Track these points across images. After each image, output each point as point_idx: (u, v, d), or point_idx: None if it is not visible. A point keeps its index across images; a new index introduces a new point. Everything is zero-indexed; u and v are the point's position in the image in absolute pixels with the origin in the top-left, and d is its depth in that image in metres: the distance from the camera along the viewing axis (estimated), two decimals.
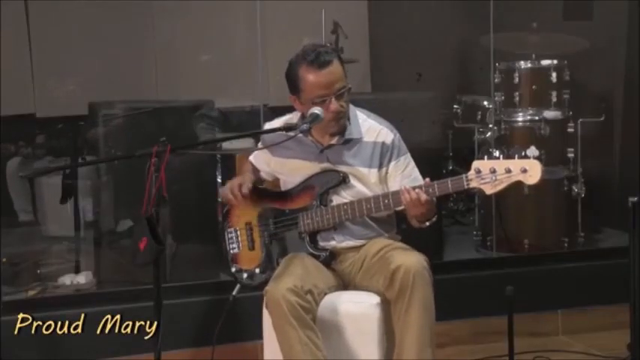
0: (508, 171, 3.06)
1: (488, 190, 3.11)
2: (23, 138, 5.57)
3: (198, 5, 5.65)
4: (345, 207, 3.34)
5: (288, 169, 3.50)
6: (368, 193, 3.38)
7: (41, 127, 5.65)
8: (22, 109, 5.54)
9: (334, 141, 3.40)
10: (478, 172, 3.10)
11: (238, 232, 3.58)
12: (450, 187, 3.17)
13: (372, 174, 3.40)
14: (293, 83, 3.34)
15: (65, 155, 5.21)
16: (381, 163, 3.40)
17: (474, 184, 3.11)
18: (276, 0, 5.57)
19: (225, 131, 4.95)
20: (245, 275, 3.57)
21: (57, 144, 5.39)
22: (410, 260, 3.21)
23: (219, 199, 3.69)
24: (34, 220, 5.55)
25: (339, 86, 3.30)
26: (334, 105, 3.29)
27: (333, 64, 3.30)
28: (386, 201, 3.27)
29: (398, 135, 3.44)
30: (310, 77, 3.28)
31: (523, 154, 3.08)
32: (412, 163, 3.44)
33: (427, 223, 3.32)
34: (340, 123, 3.36)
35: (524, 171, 3.04)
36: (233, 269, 3.60)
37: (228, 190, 3.48)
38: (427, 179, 3.25)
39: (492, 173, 3.08)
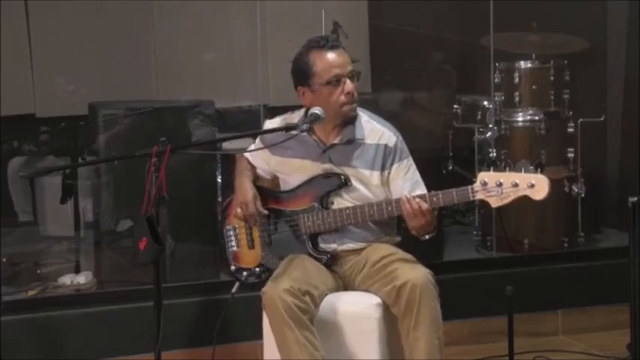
0: (515, 185, 3.04)
1: (494, 203, 3.09)
2: (23, 138, 5.57)
3: (199, 5, 5.65)
4: (348, 211, 3.34)
5: (289, 169, 3.49)
6: (369, 195, 3.38)
7: (42, 127, 5.65)
8: (22, 109, 5.54)
9: (337, 140, 3.40)
10: (484, 184, 3.08)
11: (237, 231, 3.57)
12: (456, 197, 3.16)
13: (374, 176, 3.39)
14: (303, 72, 3.35)
15: (65, 155, 5.21)
16: (383, 166, 3.39)
17: (479, 196, 3.10)
18: (276, 0, 5.57)
19: (222, 129, 4.95)
20: (245, 274, 3.57)
21: (57, 144, 5.39)
22: (416, 276, 3.19)
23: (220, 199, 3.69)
24: (34, 220, 5.55)
25: (350, 68, 3.35)
26: (349, 85, 3.31)
27: (341, 48, 3.37)
28: (389, 208, 3.27)
29: (400, 137, 3.43)
30: (324, 58, 3.31)
31: (531, 168, 3.07)
32: (413, 167, 3.43)
33: (427, 237, 3.30)
34: (353, 107, 3.36)
35: (532, 186, 3.02)
36: (232, 268, 3.60)
37: (241, 214, 3.50)
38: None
39: (499, 186, 3.06)
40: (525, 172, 3.05)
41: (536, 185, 3.02)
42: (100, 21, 5.57)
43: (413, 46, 5.90)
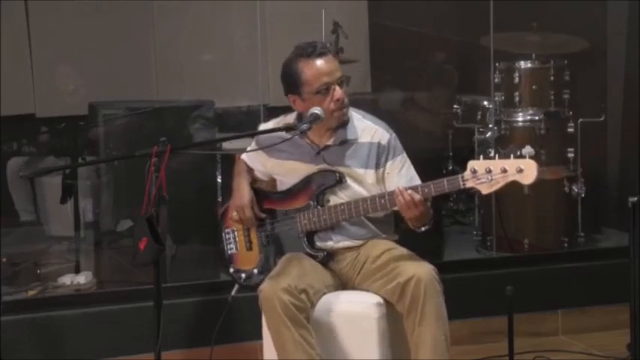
0: (504, 171, 3.06)
1: (485, 190, 3.10)
2: (23, 138, 5.57)
3: (198, 5, 5.65)
4: (342, 207, 3.34)
5: (285, 170, 3.50)
6: (365, 193, 3.38)
7: (42, 127, 5.65)
8: (22, 109, 5.54)
9: (330, 142, 3.40)
10: (474, 172, 3.10)
11: (236, 233, 3.58)
12: (446, 187, 3.17)
13: (369, 174, 3.40)
14: (292, 81, 3.35)
15: (65, 155, 5.21)
16: (377, 164, 3.40)
17: (470, 184, 3.11)
18: (276, 0, 5.57)
19: (222, 131, 4.95)
20: (243, 276, 3.58)
21: (57, 144, 5.39)
22: (420, 271, 3.20)
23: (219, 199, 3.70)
24: (34, 220, 5.55)
25: (339, 75, 3.35)
26: (338, 92, 3.32)
27: (329, 55, 3.37)
28: (382, 201, 3.27)
29: (394, 135, 3.44)
30: (312, 66, 3.31)
31: (519, 153, 3.08)
32: (408, 163, 3.44)
33: (422, 228, 3.30)
34: (344, 112, 3.37)
35: (520, 171, 3.03)
36: (231, 270, 3.61)
37: (237, 218, 3.53)
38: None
39: (488, 173, 3.08)
40: (514, 157, 3.06)
41: (524, 170, 3.03)
42: (100, 21, 5.56)
43: (413, 46, 5.90)
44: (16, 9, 5.47)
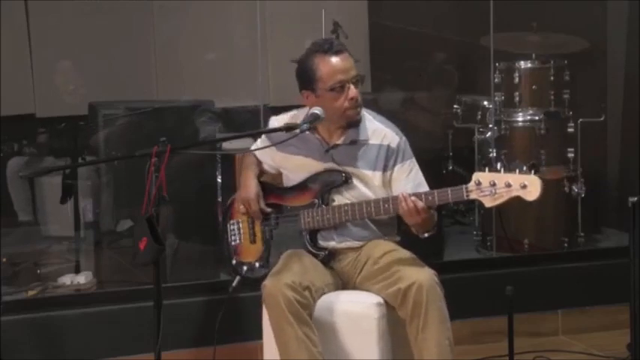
0: (508, 185, 3.05)
1: (488, 203, 3.10)
2: (23, 138, 5.57)
3: (198, 5, 5.66)
4: (346, 208, 3.34)
5: (292, 166, 3.50)
6: (370, 195, 3.38)
7: (41, 127, 5.66)
8: (22, 109, 5.55)
9: (340, 141, 3.40)
10: (478, 183, 3.10)
11: (240, 225, 3.59)
12: (450, 196, 3.17)
13: (376, 177, 3.39)
14: (307, 76, 3.34)
15: (65, 155, 5.22)
16: (385, 166, 3.39)
17: (473, 196, 3.11)
18: (276, 0, 5.58)
19: (226, 128, 4.96)
20: (245, 268, 3.59)
21: (57, 144, 5.39)
22: (421, 277, 3.19)
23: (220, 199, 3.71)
24: (34, 220, 5.55)
25: (354, 73, 3.34)
26: (353, 91, 3.31)
27: (345, 52, 3.36)
28: (386, 205, 3.27)
29: (404, 138, 3.43)
30: (328, 63, 3.30)
31: (524, 168, 3.08)
32: (417, 168, 3.43)
33: (426, 234, 3.31)
34: (357, 112, 3.36)
35: (524, 187, 3.03)
36: (233, 262, 3.62)
37: (244, 210, 3.55)
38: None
39: (492, 186, 3.07)
40: (520, 172, 3.06)
41: (528, 186, 3.03)
42: (100, 21, 5.57)
43: (413, 46, 5.90)
44: (16, 9, 5.48)
